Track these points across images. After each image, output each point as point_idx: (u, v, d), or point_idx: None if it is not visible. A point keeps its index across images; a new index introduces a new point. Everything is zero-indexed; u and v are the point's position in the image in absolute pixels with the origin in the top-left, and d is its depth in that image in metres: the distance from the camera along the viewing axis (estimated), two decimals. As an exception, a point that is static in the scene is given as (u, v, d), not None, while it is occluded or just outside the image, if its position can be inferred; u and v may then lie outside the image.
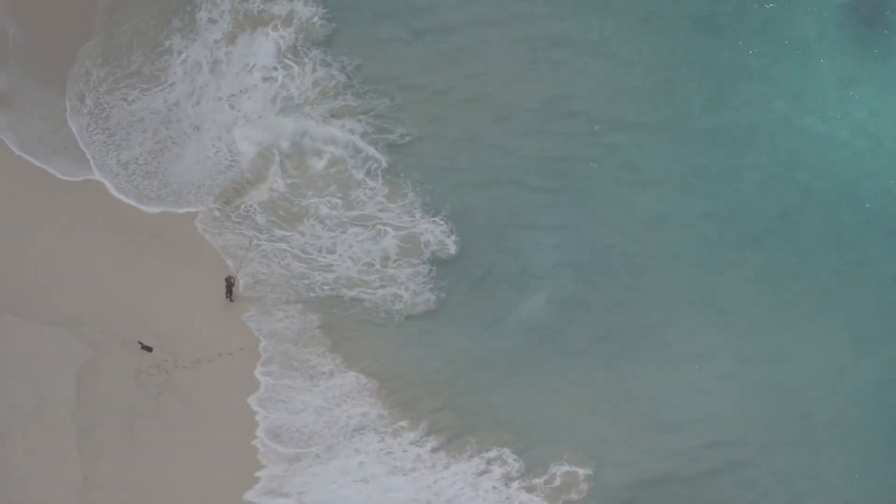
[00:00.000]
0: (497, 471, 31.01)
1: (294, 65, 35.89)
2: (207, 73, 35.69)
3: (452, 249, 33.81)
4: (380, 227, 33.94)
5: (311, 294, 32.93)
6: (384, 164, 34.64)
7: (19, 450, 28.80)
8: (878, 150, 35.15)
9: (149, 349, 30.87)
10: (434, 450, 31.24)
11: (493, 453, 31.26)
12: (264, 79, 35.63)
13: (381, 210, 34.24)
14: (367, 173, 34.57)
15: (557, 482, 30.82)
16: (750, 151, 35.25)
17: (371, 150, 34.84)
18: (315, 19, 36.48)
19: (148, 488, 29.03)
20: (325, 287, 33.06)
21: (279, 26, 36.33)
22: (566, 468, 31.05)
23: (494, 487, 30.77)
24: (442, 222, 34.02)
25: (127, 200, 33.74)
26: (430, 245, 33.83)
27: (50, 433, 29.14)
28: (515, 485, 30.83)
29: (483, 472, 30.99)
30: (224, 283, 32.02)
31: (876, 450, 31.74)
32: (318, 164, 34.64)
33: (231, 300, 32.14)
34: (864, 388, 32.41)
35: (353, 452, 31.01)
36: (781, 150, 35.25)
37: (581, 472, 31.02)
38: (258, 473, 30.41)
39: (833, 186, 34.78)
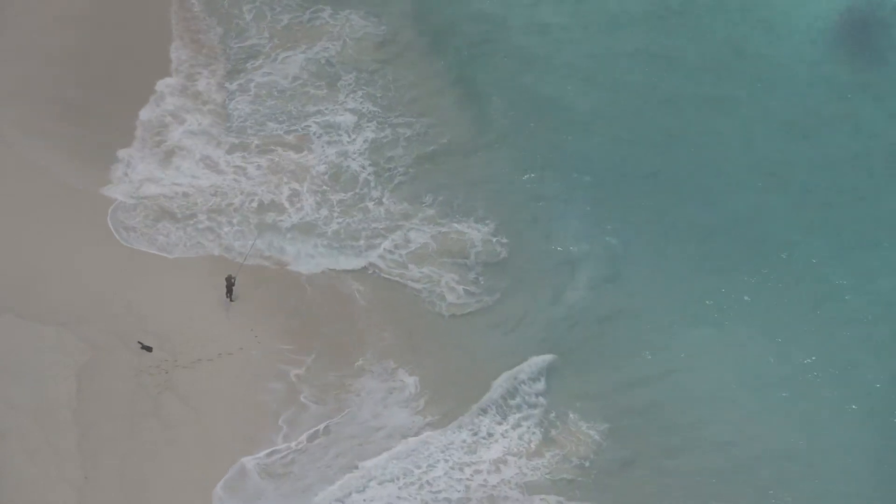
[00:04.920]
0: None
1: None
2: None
3: (501, 252, 34.21)
4: (408, 227, 34.69)
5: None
6: (409, 170, 36.03)
7: (19, 450, 28.71)
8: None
9: (149, 349, 30.86)
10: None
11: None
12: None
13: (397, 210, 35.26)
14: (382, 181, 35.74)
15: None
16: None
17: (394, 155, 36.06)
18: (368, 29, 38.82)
19: (148, 488, 28.94)
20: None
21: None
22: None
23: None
24: (484, 225, 34.35)
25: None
26: (475, 245, 33.95)
27: (50, 433, 29.03)
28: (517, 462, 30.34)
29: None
30: (224, 283, 32.05)
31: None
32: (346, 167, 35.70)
33: (231, 300, 32.14)
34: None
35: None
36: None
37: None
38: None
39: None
